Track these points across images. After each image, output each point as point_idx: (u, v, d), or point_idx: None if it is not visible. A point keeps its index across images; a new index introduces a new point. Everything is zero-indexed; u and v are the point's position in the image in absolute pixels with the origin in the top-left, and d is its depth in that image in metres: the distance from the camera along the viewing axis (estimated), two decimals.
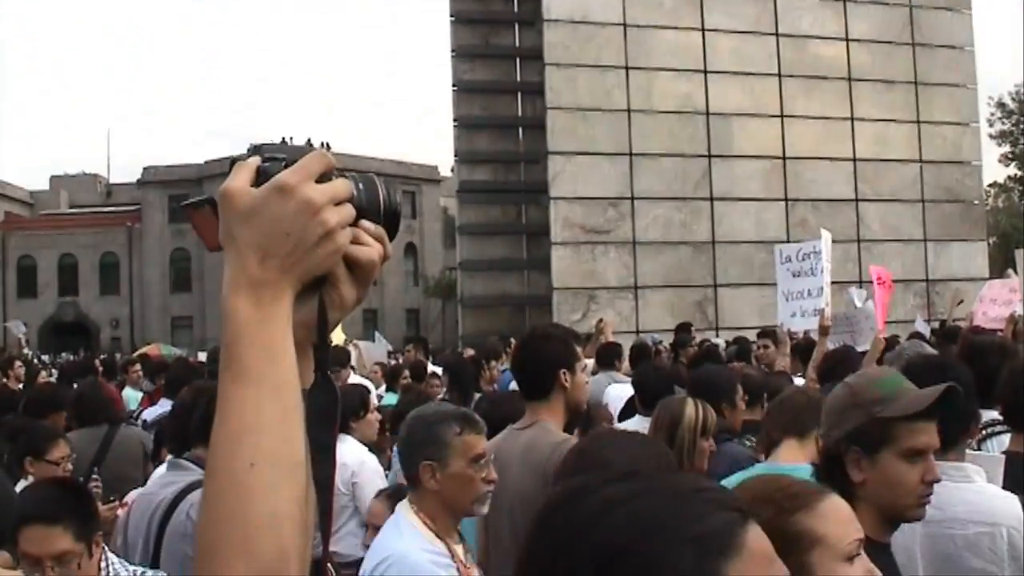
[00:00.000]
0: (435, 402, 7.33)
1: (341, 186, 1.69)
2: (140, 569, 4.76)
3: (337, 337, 18.47)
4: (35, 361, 25.36)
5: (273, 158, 1.69)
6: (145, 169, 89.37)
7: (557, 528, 1.71)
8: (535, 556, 1.74)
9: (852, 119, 45.25)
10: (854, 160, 45.08)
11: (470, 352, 19.92)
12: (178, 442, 6.57)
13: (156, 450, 8.71)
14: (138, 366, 18.90)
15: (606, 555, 1.62)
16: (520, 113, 50.31)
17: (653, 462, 4.01)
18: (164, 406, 10.75)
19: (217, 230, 1.74)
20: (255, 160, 1.69)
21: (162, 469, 6.75)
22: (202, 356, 29.93)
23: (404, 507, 4.90)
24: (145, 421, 10.65)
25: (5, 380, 16.82)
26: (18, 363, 18.56)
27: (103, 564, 4.44)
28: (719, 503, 1.64)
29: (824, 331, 13.09)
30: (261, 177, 1.66)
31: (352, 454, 8.18)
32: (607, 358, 13.52)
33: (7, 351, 33.37)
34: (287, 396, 1.61)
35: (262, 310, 1.62)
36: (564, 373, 6.10)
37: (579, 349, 6.48)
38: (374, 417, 8.67)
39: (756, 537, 1.62)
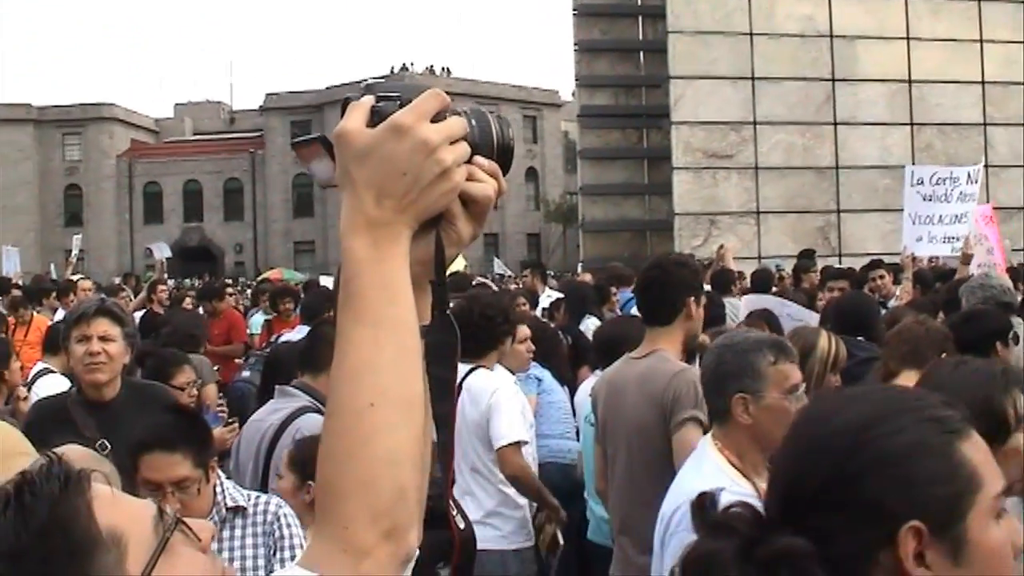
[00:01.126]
0: (742, 329, 6.88)
1: (456, 124, 1.70)
2: (254, 493, 4.81)
3: (457, 263, 18.56)
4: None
5: (387, 97, 1.69)
6: (267, 95, 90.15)
7: (811, 419, 1.90)
8: (791, 441, 1.97)
9: (981, 40, 44.14)
10: (982, 83, 44.00)
11: (587, 276, 19.80)
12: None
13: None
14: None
15: (858, 424, 1.87)
16: (641, 37, 49.79)
17: None
18: (303, 332, 10.90)
19: (327, 166, 1.81)
20: (369, 100, 1.69)
21: None
22: (325, 280, 30.17)
23: (707, 443, 4.58)
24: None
25: (151, 304, 17.20)
26: (162, 287, 18.84)
27: (218, 489, 4.52)
28: (946, 402, 1.92)
29: (966, 259, 12.88)
30: (376, 117, 1.66)
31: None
32: (722, 283, 13.40)
33: (133, 274, 33.93)
34: (405, 335, 1.65)
35: (380, 250, 1.65)
36: (692, 300, 6.03)
37: None
38: (523, 347, 8.39)
39: (975, 433, 1.90)
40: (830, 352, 6.07)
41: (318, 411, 5.50)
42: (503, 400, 7.10)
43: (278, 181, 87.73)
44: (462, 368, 7.16)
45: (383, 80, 1.79)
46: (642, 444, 5.81)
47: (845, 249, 41.13)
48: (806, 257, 19.96)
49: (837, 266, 20.57)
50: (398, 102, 1.67)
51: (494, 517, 7.06)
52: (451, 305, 1.83)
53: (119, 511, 1.56)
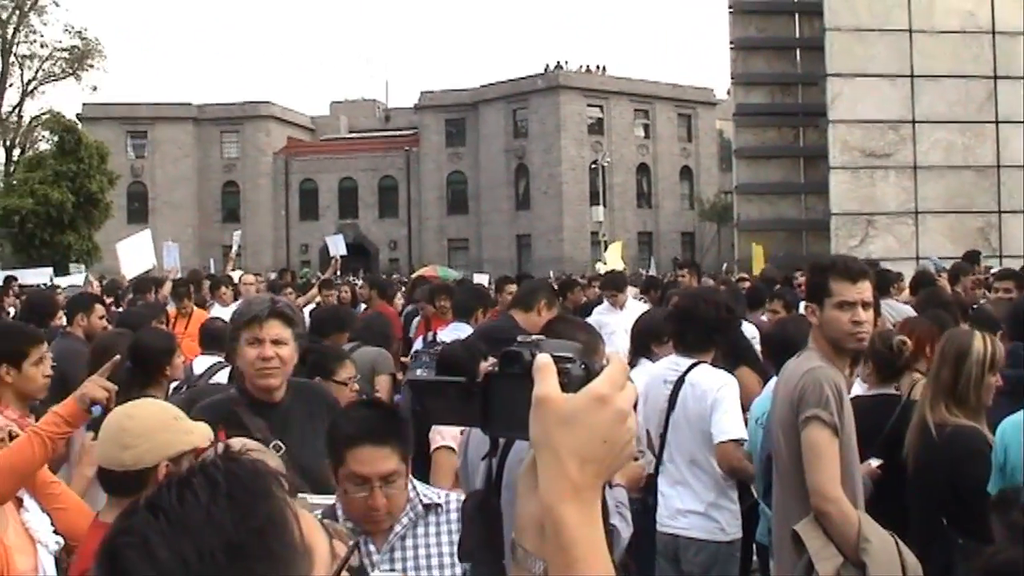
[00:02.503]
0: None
1: (631, 392, 1.76)
2: (445, 491, 4.84)
3: (616, 263, 18.53)
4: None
5: (565, 358, 1.76)
6: (422, 94, 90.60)
7: None
8: None
9: None
10: None
11: (743, 276, 19.69)
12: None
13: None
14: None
15: None
16: (797, 34, 49.37)
17: None
18: (458, 329, 10.93)
19: (465, 413, 1.87)
20: (550, 362, 1.74)
21: None
22: (479, 278, 30.28)
23: None
24: (443, 342, 10.84)
25: (326, 300, 17.51)
26: (345, 288, 19.12)
27: (409, 485, 4.53)
28: None
29: None
30: (564, 378, 1.73)
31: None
32: (883, 284, 13.18)
33: (289, 269, 34.42)
34: None
35: (587, 515, 1.70)
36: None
37: None
38: None
39: None
40: (986, 353, 6.11)
41: None
42: (727, 396, 7.20)
43: (432, 178, 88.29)
44: (684, 362, 7.41)
45: (531, 340, 1.84)
46: (786, 443, 5.81)
47: (1006, 251, 40.31)
48: (970, 259, 19.44)
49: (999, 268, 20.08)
50: (582, 366, 1.77)
51: (712, 509, 7.23)
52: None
53: (308, 523, 1.66)
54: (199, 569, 1.50)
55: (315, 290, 18.81)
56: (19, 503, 4.93)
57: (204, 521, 1.54)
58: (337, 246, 28.14)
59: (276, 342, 5.52)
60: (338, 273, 24.06)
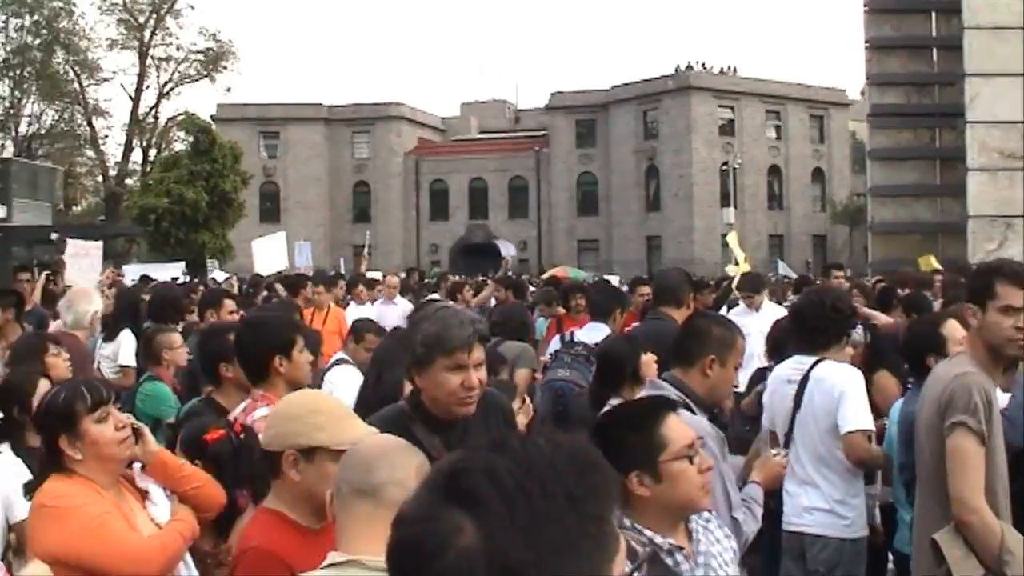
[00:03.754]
0: None
1: None
2: None
3: (740, 260, 18.27)
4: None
5: None
6: (552, 94, 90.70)
7: None
8: None
9: None
10: None
11: (878, 277, 19.33)
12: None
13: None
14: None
15: None
16: (934, 32, 48.53)
17: None
18: (597, 329, 10.78)
19: None
20: None
21: None
22: (611, 279, 30.12)
23: None
24: (583, 342, 10.69)
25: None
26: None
27: None
28: None
29: None
30: None
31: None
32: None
33: (418, 269, 34.53)
34: None
35: None
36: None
37: None
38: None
39: None
40: None
41: (686, 407, 5.30)
42: (853, 388, 7.08)
43: (562, 179, 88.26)
44: (806, 360, 7.30)
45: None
46: (930, 448, 5.65)
47: None
48: None
49: None
50: None
51: (840, 505, 7.12)
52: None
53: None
54: (541, 505, 1.67)
55: (489, 289, 18.87)
56: (144, 495, 5.03)
57: (547, 467, 1.71)
58: (507, 248, 28.36)
59: (478, 366, 5.07)
60: (509, 273, 24.13)
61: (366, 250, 29.28)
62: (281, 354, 6.20)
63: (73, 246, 20.49)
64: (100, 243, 21.54)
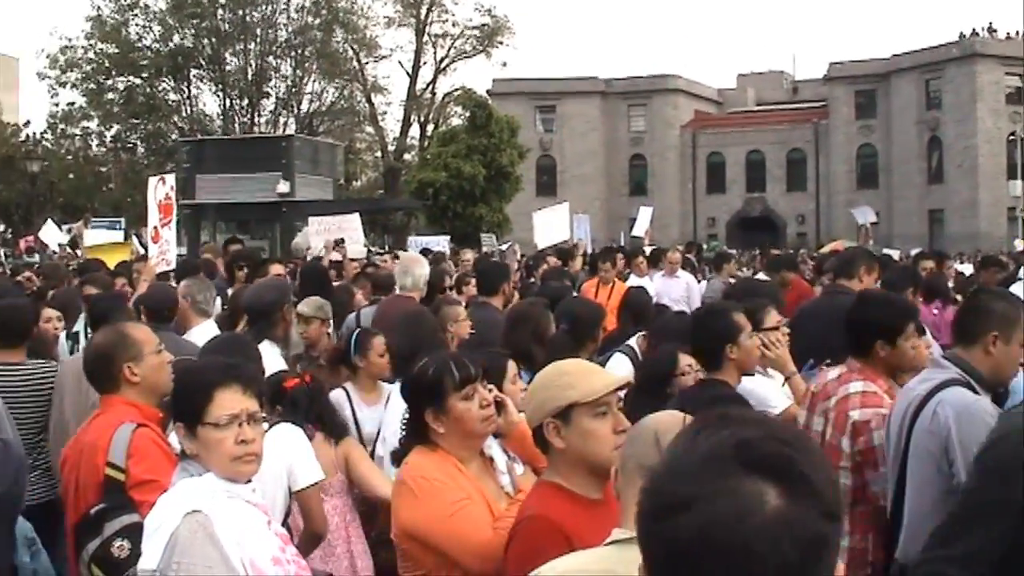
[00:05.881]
0: None
1: None
2: None
3: None
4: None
5: None
6: (831, 64, 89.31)
7: None
8: None
9: None
10: None
11: None
12: None
13: None
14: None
15: None
16: None
17: None
18: None
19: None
20: None
21: None
22: (890, 252, 29.11)
23: None
24: None
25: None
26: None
27: None
28: None
29: None
30: None
31: None
32: None
33: (696, 243, 34.11)
34: None
35: None
36: None
37: None
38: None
39: None
40: None
41: (967, 385, 5.20)
42: None
43: (841, 152, 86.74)
44: None
45: None
46: None
47: None
48: None
49: None
50: None
51: None
52: None
53: None
54: (832, 498, 1.77)
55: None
56: (491, 461, 5.10)
57: (822, 462, 1.82)
58: (865, 215, 27.87)
59: None
60: (871, 242, 23.78)
61: (645, 227, 28.96)
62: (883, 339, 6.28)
63: (317, 223, 20.77)
64: (355, 216, 21.76)
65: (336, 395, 7.92)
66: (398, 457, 5.04)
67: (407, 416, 5.06)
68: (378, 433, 7.53)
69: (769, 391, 7.24)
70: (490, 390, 5.06)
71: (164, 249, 14.31)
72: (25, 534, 5.57)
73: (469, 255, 21.88)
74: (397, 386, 7.11)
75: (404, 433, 5.08)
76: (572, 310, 8.36)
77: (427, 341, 7.37)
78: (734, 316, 6.65)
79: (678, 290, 16.68)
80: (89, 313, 9.36)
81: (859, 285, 9.15)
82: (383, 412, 7.60)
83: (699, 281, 18.97)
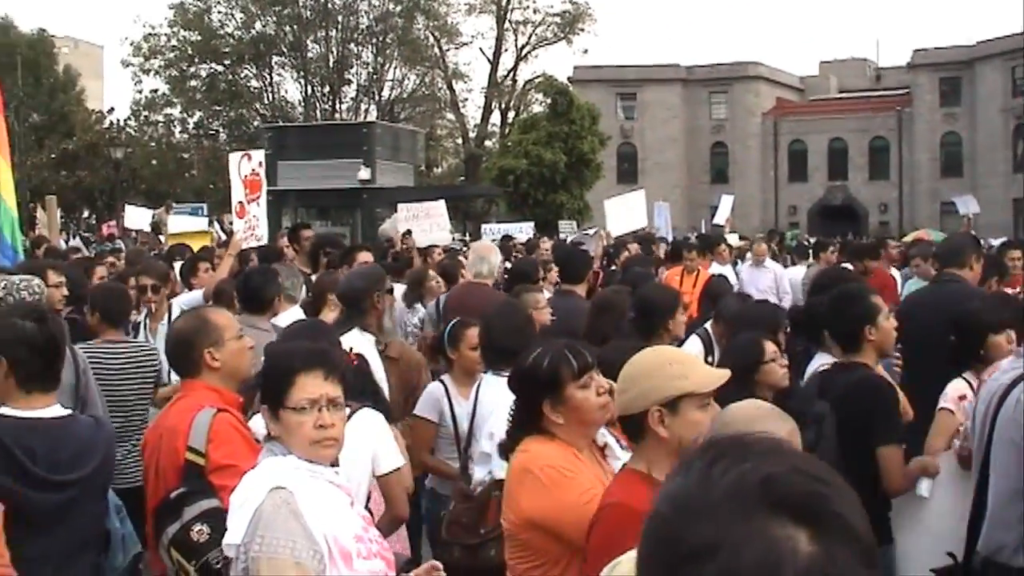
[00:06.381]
0: None
1: None
2: None
3: None
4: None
5: None
6: (915, 52, 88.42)
7: None
8: None
9: None
10: None
11: None
12: None
13: None
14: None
15: None
16: None
17: None
18: None
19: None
20: None
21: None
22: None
23: None
24: None
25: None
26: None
27: None
28: None
29: None
30: None
31: None
32: None
33: (777, 231, 33.94)
34: None
35: None
36: None
37: None
38: None
39: None
40: None
41: None
42: None
43: (925, 140, 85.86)
44: None
45: None
46: None
47: None
48: None
49: None
50: None
51: None
52: None
53: None
54: (869, 540, 1.57)
55: None
56: (603, 449, 5.09)
57: (855, 500, 1.60)
58: (968, 205, 27.68)
59: None
60: (974, 231, 23.64)
61: (725, 216, 28.94)
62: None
63: (405, 209, 20.80)
64: (441, 202, 21.80)
65: (433, 388, 7.99)
66: (507, 449, 5.04)
67: (516, 406, 5.06)
68: (469, 427, 7.45)
69: None
70: None
71: (252, 224, 14.33)
72: (113, 501, 5.70)
73: (547, 243, 21.92)
74: (487, 377, 7.20)
75: (513, 424, 5.05)
76: (643, 297, 8.25)
77: (524, 332, 7.26)
78: (871, 298, 6.82)
79: (766, 280, 16.65)
80: (243, 288, 9.49)
81: (970, 274, 9.29)
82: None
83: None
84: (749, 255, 19.07)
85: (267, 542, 3.89)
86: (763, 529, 1.50)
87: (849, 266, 15.31)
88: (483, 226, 29.95)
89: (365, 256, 12.91)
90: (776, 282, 16.93)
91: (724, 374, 4.23)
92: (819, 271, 14.23)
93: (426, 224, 20.03)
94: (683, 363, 4.24)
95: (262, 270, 10.32)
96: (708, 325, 9.31)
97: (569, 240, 28.21)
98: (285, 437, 4.27)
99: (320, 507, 4.07)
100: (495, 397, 6.46)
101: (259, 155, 15.23)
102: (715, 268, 16.65)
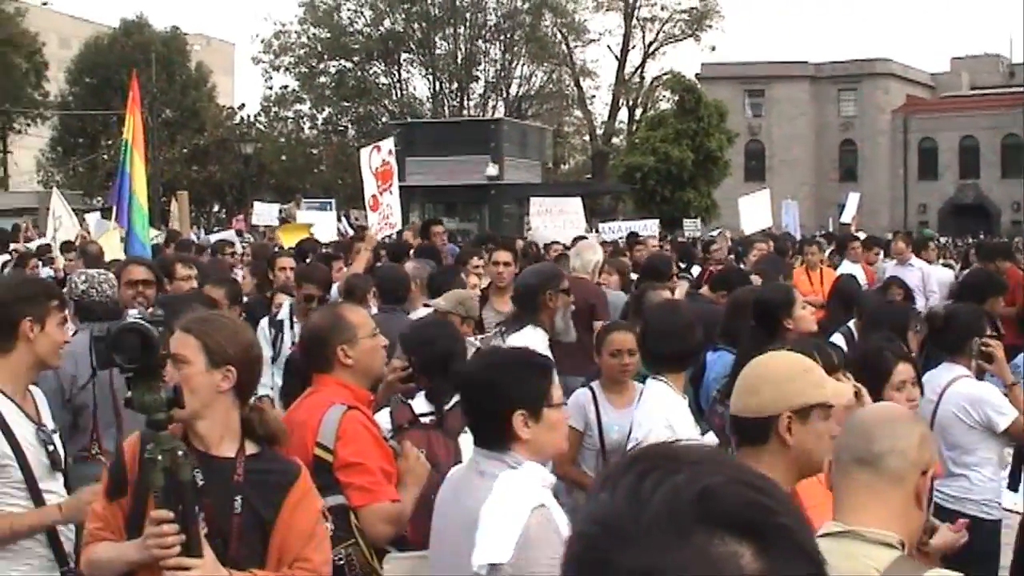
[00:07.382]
0: None
1: None
2: None
3: None
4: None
5: None
6: None
7: None
8: None
9: None
10: None
11: None
12: None
13: None
14: None
15: None
16: None
17: None
18: None
19: None
20: None
21: None
22: None
23: None
24: None
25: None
26: None
27: None
28: None
29: None
30: None
31: None
32: None
33: (905, 231, 33.65)
34: None
35: None
36: None
37: None
38: None
39: None
40: None
41: None
42: None
43: None
44: None
45: None
46: None
47: None
48: None
49: None
50: None
51: None
52: None
53: None
54: (817, 553, 1.45)
55: None
56: None
57: (797, 509, 1.50)
58: None
59: None
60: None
61: (852, 213, 28.75)
62: None
63: (538, 204, 20.93)
64: (577, 199, 21.91)
65: (579, 395, 7.69)
66: None
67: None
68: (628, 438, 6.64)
69: (1003, 399, 7.09)
70: None
71: (387, 214, 14.57)
72: None
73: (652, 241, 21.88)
74: (650, 384, 6.50)
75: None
76: (759, 299, 7.83)
77: (684, 337, 6.56)
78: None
79: (913, 279, 16.30)
80: (429, 287, 9.86)
81: None
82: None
83: None
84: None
85: (531, 562, 3.85)
86: (703, 548, 1.37)
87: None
88: (600, 224, 29.78)
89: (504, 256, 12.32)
90: (923, 281, 16.59)
91: (848, 387, 4.27)
92: (972, 272, 14.13)
93: (560, 220, 20.16)
94: (817, 371, 4.15)
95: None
96: (852, 323, 9.30)
97: (695, 238, 28.24)
98: (543, 438, 4.26)
99: (563, 520, 4.03)
100: (657, 405, 6.22)
101: (388, 143, 15.54)
102: (845, 266, 16.60)
